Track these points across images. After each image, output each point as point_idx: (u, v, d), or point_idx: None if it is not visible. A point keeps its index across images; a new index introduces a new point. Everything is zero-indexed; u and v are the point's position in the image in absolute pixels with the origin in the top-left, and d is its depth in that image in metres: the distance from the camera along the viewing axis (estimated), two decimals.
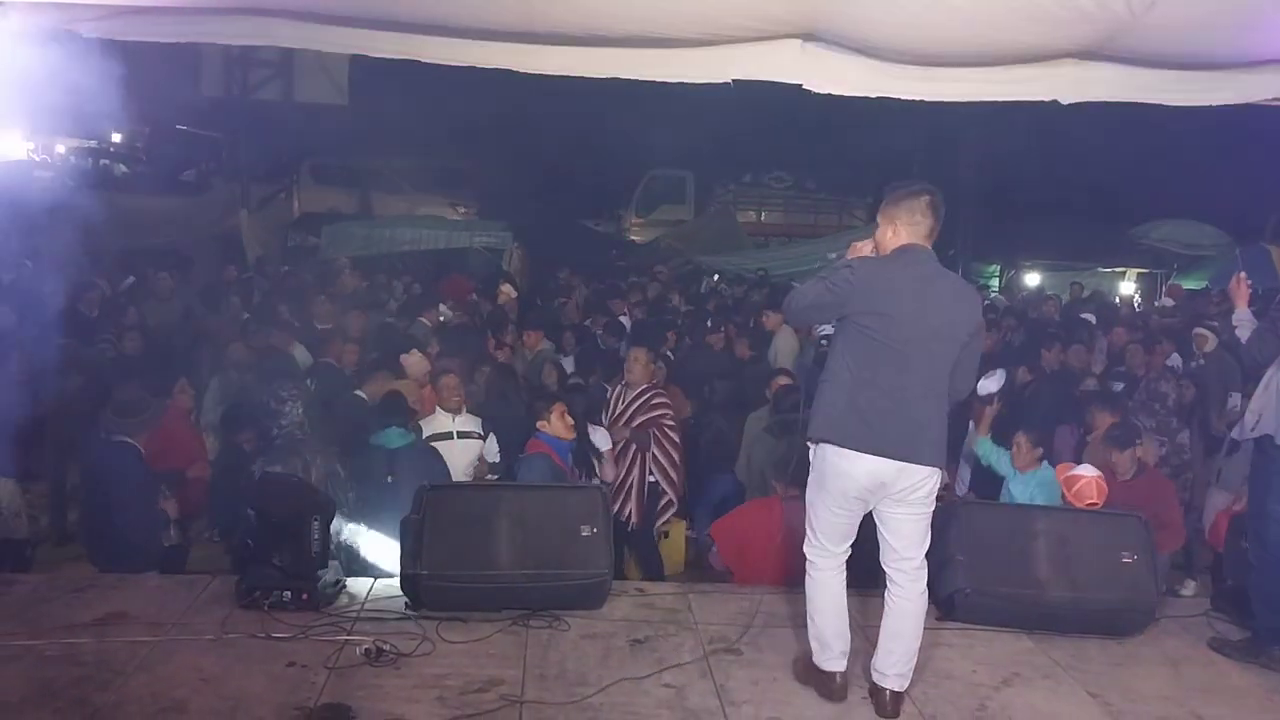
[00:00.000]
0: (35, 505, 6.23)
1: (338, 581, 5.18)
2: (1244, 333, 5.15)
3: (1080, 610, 5.10)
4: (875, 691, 4.31)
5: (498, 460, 6.68)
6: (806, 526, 4.35)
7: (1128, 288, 20.16)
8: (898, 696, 4.27)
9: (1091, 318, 12.28)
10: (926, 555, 4.38)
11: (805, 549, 4.36)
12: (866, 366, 4.08)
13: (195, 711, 4.02)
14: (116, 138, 20.53)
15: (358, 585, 5.27)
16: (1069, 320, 12.26)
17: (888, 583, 4.30)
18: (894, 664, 4.26)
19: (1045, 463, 6.33)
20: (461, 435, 6.57)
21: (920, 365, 4.09)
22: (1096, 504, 5.69)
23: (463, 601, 4.95)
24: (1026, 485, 6.23)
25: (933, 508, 4.27)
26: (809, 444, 4.28)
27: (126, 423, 5.80)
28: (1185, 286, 17.12)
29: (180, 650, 4.51)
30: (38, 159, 18.55)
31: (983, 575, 5.09)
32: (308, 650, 4.55)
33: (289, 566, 4.97)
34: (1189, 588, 7.17)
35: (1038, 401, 8.21)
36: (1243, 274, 5.55)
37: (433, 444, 6.41)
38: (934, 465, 4.17)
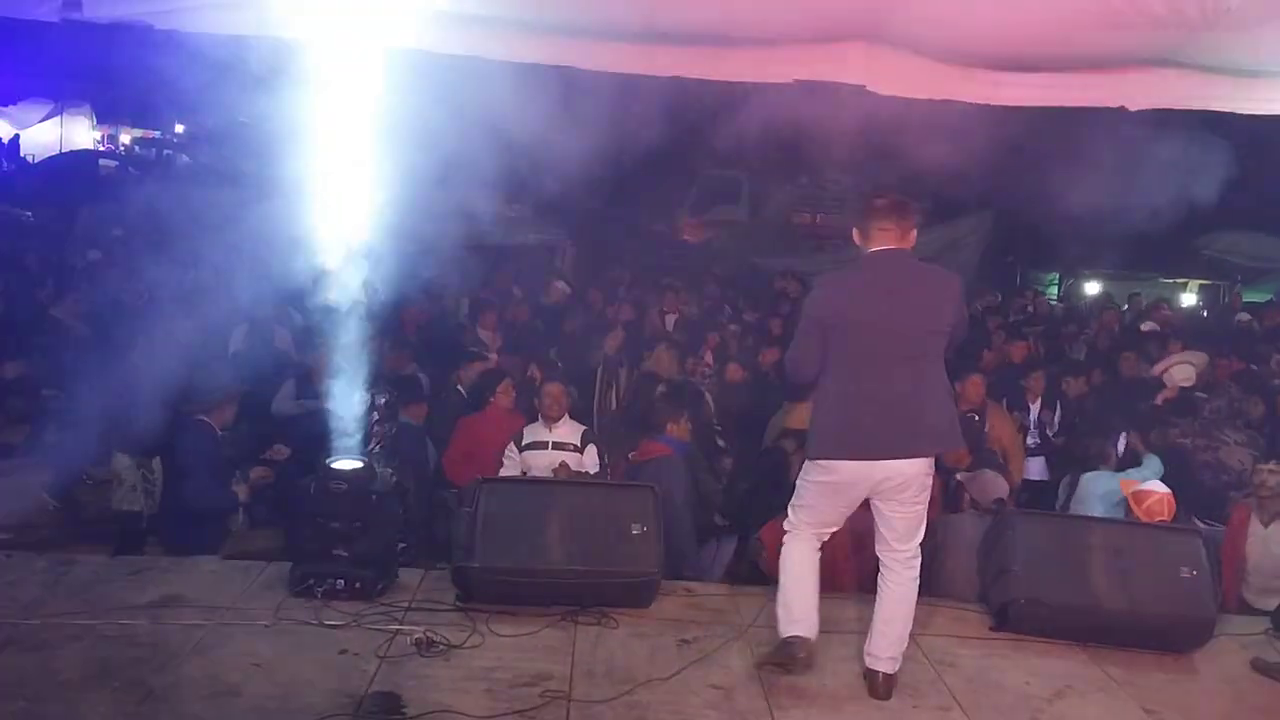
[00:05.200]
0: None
1: (391, 572, 5.21)
2: None
3: (1136, 623, 5.01)
4: (869, 674, 4.42)
5: (596, 471, 6.48)
6: (791, 508, 4.48)
7: (1189, 299, 19.78)
8: (890, 679, 4.39)
9: (1155, 326, 12.08)
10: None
11: (785, 524, 4.51)
12: (850, 378, 4.21)
13: (249, 695, 4.08)
14: (180, 129, 20.86)
15: (410, 576, 5.31)
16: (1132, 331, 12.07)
17: (882, 569, 4.42)
18: (886, 647, 4.38)
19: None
20: (556, 446, 6.47)
21: (906, 361, 4.18)
22: (1167, 521, 5.58)
23: (513, 595, 4.97)
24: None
25: (926, 500, 4.36)
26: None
27: (203, 402, 5.87)
28: (1247, 299, 16.80)
29: (234, 635, 4.58)
30: (103, 148, 18.93)
31: (1037, 586, 5.01)
32: (359, 638, 4.59)
33: (349, 556, 5.00)
34: None
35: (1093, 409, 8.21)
36: None
37: (526, 452, 6.46)
38: (928, 455, 4.28)
